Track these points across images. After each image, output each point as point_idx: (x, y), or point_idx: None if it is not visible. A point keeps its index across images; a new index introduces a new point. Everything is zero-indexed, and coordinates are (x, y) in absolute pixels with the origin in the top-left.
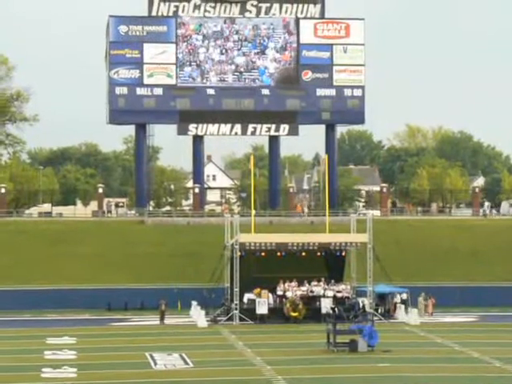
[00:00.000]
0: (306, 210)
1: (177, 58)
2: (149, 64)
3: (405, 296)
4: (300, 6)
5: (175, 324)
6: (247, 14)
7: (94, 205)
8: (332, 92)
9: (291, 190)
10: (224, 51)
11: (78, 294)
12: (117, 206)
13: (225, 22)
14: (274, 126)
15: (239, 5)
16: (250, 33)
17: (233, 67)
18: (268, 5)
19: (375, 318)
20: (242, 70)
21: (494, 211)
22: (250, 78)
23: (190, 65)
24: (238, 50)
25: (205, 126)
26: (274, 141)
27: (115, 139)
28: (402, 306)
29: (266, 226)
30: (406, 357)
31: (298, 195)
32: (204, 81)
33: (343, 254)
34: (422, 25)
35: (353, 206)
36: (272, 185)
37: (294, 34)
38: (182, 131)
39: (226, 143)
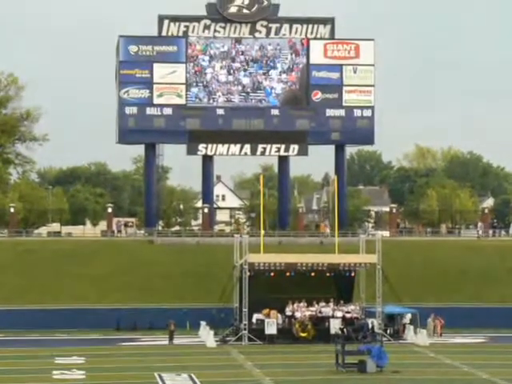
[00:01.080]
0: (328, 230)
1: (186, 77)
2: (158, 84)
3: (409, 317)
4: (310, 26)
5: (184, 344)
6: (257, 35)
7: (103, 224)
8: (341, 112)
9: (300, 211)
10: (231, 72)
11: (87, 313)
12: (126, 225)
13: (231, 43)
14: (283, 147)
15: (249, 25)
16: (256, 53)
17: (239, 88)
18: (278, 25)
19: (384, 339)
20: (248, 90)
21: (503, 232)
22: (256, 99)
23: (197, 85)
24: (245, 70)
25: (214, 146)
26: (283, 161)
27: (124, 159)
28: (411, 327)
29: (275, 246)
30: (415, 378)
31: (307, 215)
32: (210, 101)
33: (352, 274)
34: (431, 45)
35: (362, 226)
36: (281, 205)
37: (301, 54)
38: (192, 151)
39: (236, 163)
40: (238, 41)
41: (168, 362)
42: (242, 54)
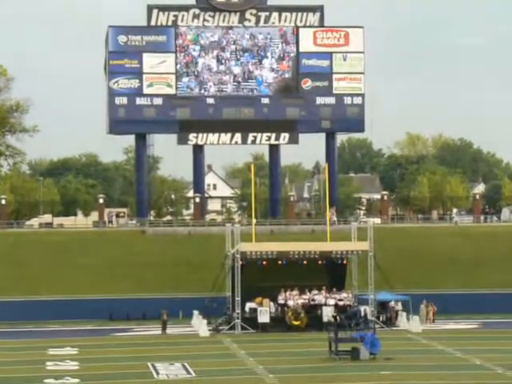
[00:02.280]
0: (334, 218)
1: (176, 67)
2: (148, 74)
3: (399, 305)
4: (299, 14)
5: (177, 334)
6: (246, 23)
7: (94, 215)
8: (332, 100)
9: (292, 199)
10: (222, 61)
11: (80, 304)
12: (118, 216)
13: (222, 33)
14: (274, 135)
15: (238, 14)
16: (247, 43)
17: (231, 78)
18: (267, 13)
19: (377, 326)
20: (239, 79)
21: (494, 218)
22: (247, 88)
23: (188, 75)
24: (236, 60)
25: (205, 135)
26: (274, 149)
27: (115, 149)
28: (404, 314)
29: (267, 234)
30: (408, 364)
31: (299, 203)
32: (202, 91)
33: (344, 262)
34: (421, 32)
35: (353, 214)
36: (273, 193)
37: (292, 43)
38: (182, 141)
39: (227, 152)
40: (229, 29)
41: (161, 351)
42: (234, 44)
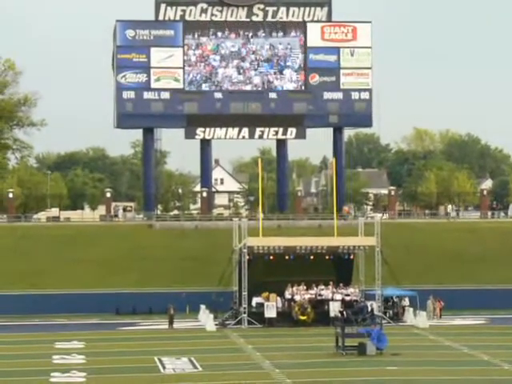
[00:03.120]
0: (352, 212)
1: (184, 60)
2: (156, 68)
3: (407, 300)
4: (307, 9)
5: (184, 328)
6: (254, 18)
7: (101, 209)
8: (339, 95)
9: (299, 194)
10: (242, 71)
11: (86, 298)
12: (125, 210)
13: (242, 43)
14: (281, 130)
15: (246, 8)
16: (267, 53)
17: (251, 87)
18: (275, 8)
19: (384, 321)
20: (259, 89)
21: (502, 213)
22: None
23: (207, 82)
24: (255, 70)
25: (212, 129)
26: (281, 144)
27: (123, 143)
28: (411, 309)
29: (274, 229)
30: (415, 360)
31: (306, 198)
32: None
33: (351, 257)
34: (429, 27)
35: (361, 209)
36: (280, 188)
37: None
38: (190, 135)
39: (234, 147)
40: (249, 40)
41: (168, 345)
42: (253, 54)
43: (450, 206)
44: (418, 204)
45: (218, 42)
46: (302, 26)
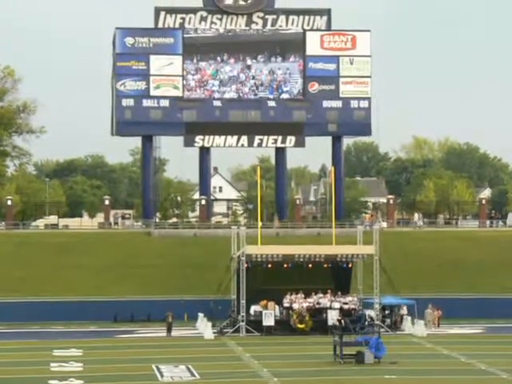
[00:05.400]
0: (378, 219)
1: (183, 69)
2: (155, 76)
3: (405, 309)
4: (306, 17)
5: (182, 336)
6: (253, 26)
7: (100, 217)
8: (338, 104)
9: (298, 202)
10: (241, 95)
11: (85, 306)
12: (123, 217)
13: (241, 68)
14: (280, 138)
15: (245, 16)
16: (266, 78)
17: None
18: (274, 17)
19: (382, 330)
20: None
21: (500, 222)
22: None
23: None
24: (255, 95)
25: (211, 137)
26: (280, 152)
27: (122, 151)
28: (409, 318)
29: (273, 237)
30: (413, 369)
31: (305, 206)
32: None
33: (350, 265)
34: (429, 36)
35: (359, 217)
36: (279, 196)
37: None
38: (189, 143)
39: (233, 155)
40: (248, 67)
41: (166, 353)
42: (253, 79)
43: (416, 215)
44: (416, 212)
45: (218, 67)
46: (300, 50)
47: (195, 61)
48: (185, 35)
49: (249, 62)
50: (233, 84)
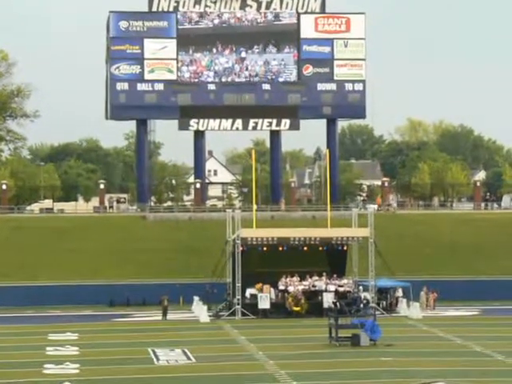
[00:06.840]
0: (395, 204)
1: (177, 53)
2: (149, 59)
3: (400, 291)
4: (301, 0)
5: (177, 319)
6: (247, 9)
7: (95, 201)
8: (333, 86)
9: (292, 185)
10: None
11: (80, 289)
12: (118, 201)
13: (235, 59)
14: (275, 121)
15: (239, 0)
16: (260, 69)
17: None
18: (268, 0)
19: (377, 312)
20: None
21: (495, 205)
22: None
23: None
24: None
25: (206, 121)
26: (275, 135)
27: (116, 135)
28: (404, 300)
29: (268, 220)
30: (408, 351)
31: (300, 190)
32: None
33: (345, 248)
34: (423, 19)
35: (354, 200)
36: (273, 179)
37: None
38: (183, 126)
39: (227, 138)
40: (242, 59)
41: (161, 337)
42: (247, 70)
43: (391, 197)
44: (411, 195)
45: (213, 59)
46: (295, 40)
47: (190, 52)
48: (179, 26)
49: (243, 53)
50: (229, 76)
